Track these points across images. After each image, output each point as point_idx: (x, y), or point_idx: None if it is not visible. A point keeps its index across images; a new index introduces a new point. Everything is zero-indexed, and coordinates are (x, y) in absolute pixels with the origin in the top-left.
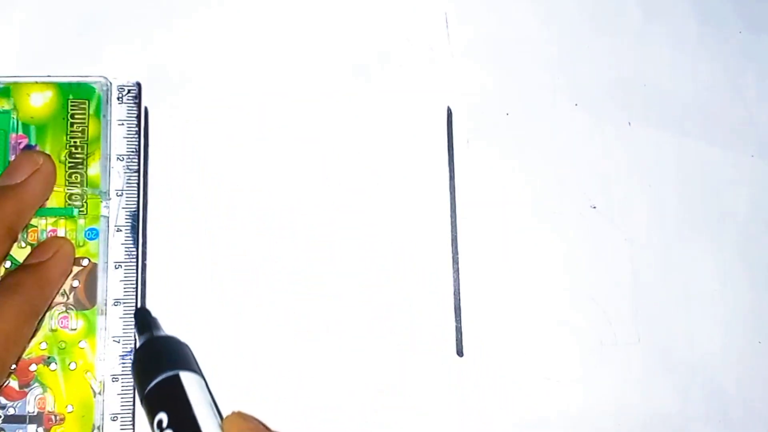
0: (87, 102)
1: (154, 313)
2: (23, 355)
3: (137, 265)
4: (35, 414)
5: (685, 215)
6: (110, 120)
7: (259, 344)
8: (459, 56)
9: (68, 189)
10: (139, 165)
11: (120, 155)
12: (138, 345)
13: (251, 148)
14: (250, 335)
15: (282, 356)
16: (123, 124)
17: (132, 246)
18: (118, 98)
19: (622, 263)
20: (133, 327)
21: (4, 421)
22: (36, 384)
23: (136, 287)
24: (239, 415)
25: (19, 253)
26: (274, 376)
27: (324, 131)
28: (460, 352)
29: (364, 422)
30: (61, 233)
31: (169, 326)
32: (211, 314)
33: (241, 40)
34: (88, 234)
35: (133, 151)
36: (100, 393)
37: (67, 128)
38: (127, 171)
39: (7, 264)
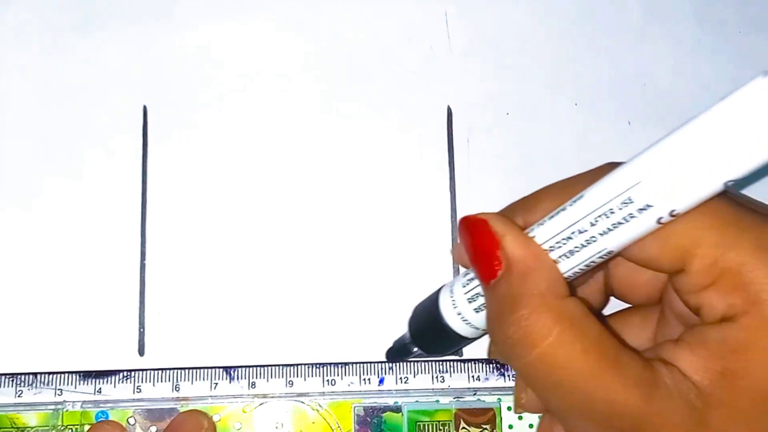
0: None
1: (154, 312)
2: None
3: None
4: None
5: None
6: None
7: (260, 344)
8: (459, 55)
9: None
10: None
11: None
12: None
13: (251, 147)
14: (251, 335)
15: (283, 357)
16: None
17: None
18: None
19: None
20: None
21: None
22: None
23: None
24: None
25: None
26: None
27: (324, 131)
28: (459, 352)
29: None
30: None
31: (169, 326)
32: (211, 314)
33: (240, 39)
34: None
35: None
36: None
37: None
38: None
39: None
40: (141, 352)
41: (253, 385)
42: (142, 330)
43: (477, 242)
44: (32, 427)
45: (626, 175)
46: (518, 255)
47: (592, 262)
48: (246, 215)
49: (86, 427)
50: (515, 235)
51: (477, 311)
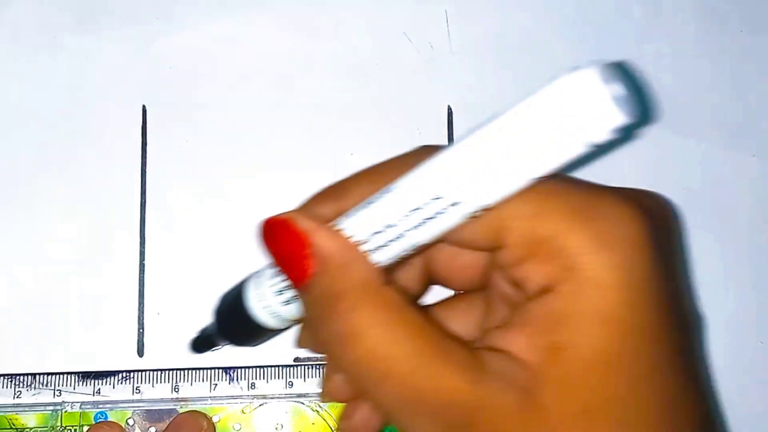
0: None
1: (153, 313)
2: None
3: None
4: None
5: (686, 216)
6: None
7: (259, 345)
8: (459, 55)
9: None
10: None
11: None
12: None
13: (250, 147)
14: None
15: (283, 358)
16: None
17: None
18: None
19: None
20: None
21: None
22: None
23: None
24: None
25: None
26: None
27: (324, 131)
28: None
29: None
30: None
31: (169, 326)
32: (210, 315)
33: (240, 39)
34: None
35: None
36: None
37: None
38: None
39: None
40: (140, 352)
41: (253, 386)
42: (141, 330)
43: (284, 245)
44: (31, 428)
45: (435, 171)
46: (332, 248)
47: (405, 254)
48: (245, 215)
49: (85, 428)
50: (324, 228)
51: (286, 304)
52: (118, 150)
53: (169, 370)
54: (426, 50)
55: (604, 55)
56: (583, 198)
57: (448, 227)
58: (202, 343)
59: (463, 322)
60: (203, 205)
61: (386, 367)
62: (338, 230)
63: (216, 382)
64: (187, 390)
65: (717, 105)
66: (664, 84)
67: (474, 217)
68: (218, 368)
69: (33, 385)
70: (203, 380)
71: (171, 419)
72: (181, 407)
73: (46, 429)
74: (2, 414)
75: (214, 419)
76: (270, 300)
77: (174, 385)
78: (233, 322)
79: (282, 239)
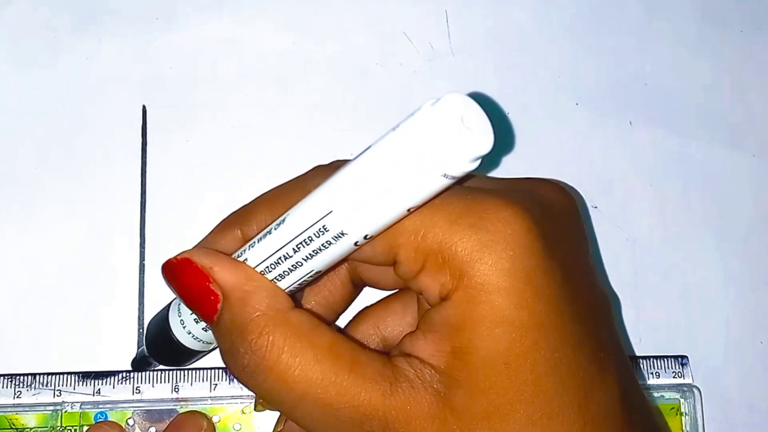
0: None
1: (153, 313)
2: None
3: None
4: None
5: (686, 215)
6: None
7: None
8: (459, 54)
9: None
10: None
11: None
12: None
13: (250, 147)
14: None
15: None
16: None
17: None
18: None
19: (623, 263)
20: None
21: None
22: None
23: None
24: None
25: None
26: None
27: (324, 131)
28: None
29: None
30: None
31: None
32: None
33: (239, 39)
34: None
35: None
36: None
37: None
38: None
39: None
40: None
41: None
42: (141, 330)
43: (187, 284)
44: (31, 428)
45: (319, 204)
46: (232, 282)
47: (305, 281)
48: None
49: (85, 428)
50: (223, 263)
51: (206, 330)
52: (118, 150)
53: (169, 370)
54: (426, 50)
55: (604, 55)
56: (466, 205)
57: (342, 254)
58: (139, 362)
59: (399, 322)
60: (203, 204)
61: (300, 390)
62: (239, 262)
63: (216, 382)
64: (187, 390)
65: (717, 105)
66: (664, 84)
67: (366, 242)
68: (218, 368)
69: (33, 385)
70: (203, 380)
71: (171, 419)
72: (181, 407)
73: (46, 429)
74: (2, 414)
75: (214, 419)
76: (191, 327)
77: (174, 385)
78: (161, 347)
79: (185, 278)
